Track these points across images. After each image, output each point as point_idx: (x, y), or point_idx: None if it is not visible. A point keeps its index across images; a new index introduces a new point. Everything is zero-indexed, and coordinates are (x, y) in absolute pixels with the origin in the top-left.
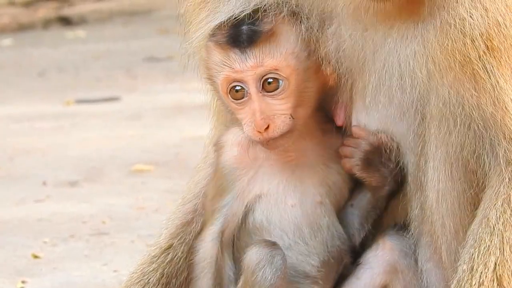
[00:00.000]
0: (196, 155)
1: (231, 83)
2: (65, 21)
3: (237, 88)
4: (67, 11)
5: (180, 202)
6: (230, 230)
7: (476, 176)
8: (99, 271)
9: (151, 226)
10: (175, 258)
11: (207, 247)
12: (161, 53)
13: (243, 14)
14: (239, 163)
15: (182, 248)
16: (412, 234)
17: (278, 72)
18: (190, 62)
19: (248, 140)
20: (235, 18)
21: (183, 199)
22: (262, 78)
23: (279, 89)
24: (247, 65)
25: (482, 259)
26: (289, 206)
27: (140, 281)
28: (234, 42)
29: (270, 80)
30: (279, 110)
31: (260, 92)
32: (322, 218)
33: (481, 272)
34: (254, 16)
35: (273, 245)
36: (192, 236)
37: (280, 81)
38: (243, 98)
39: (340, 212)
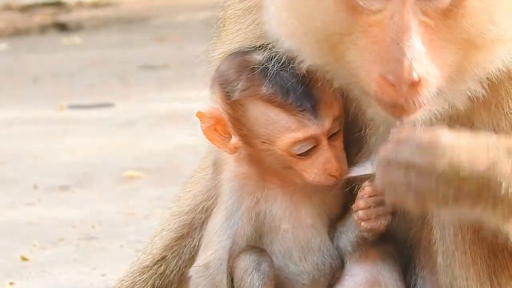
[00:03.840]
0: (188, 163)
1: (299, 145)
2: (61, 27)
3: (308, 147)
4: (64, 17)
5: (176, 212)
6: (237, 251)
7: None
8: (87, 275)
9: (140, 232)
10: (167, 271)
11: (218, 274)
12: (156, 61)
13: (273, 59)
14: (246, 181)
15: (175, 261)
16: (411, 239)
17: (340, 120)
18: (189, 71)
19: (252, 159)
20: (269, 66)
21: (178, 208)
22: (331, 131)
23: (339, 134)
24: (324, 129)
25: None
26: (281, 231)
27: None
28: (302, 104)
29: (337, 128)
30: (341, 149)
31: (328, 141)
32: (313, 240)
33: None
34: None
35: (260, 251)
36: (187, 250)
37: None
38: (309, 151)
39: (331, 233)
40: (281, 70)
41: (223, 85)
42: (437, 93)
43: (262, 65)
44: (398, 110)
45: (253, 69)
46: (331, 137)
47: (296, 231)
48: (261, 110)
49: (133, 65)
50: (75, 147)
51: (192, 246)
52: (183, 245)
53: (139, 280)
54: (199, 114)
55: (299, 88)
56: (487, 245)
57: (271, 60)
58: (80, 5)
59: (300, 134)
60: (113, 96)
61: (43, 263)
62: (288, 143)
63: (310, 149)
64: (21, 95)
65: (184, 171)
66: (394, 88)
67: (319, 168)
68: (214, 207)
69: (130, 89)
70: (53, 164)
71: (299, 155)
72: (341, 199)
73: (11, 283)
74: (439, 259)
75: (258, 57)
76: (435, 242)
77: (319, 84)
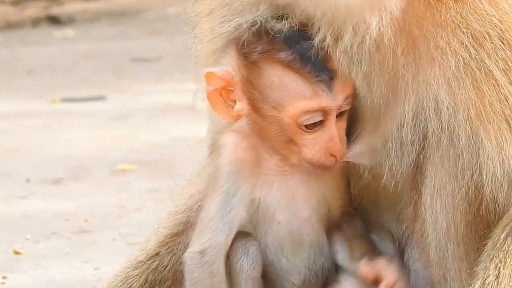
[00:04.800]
0: (182, 156)
1: (309, 115)
2: (54, 20)
3: (317, 119)
4: (56, 10)
5: (173, 212)
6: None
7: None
8: (80, 269)
9: (133, 225)
10: (160, 266)
11: (214, 261)
12: (149, 54)
13: (295, 27)
14: (243, 166)
15: (169, 257)
16: (403, 233)
17: (350, 100)
18: (182, 64)
19: (251, 144)
20: (292, 32)
21: (175, 207)
22: (341, 108)
23: (345, 114)
24: (336, 103)
25: None
26: (276, 222)
27: (123, 284)
28: (320, 75)
29: (345, 107)
30: (344, 131)
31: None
32: (306, 235)
33: None
34: (305, 31)
35: (247, 235)
36: (181, 247)
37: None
38: (316, 125)
39: (330, 239)
40: (301, 39)
41: (241, 46)
42: None
43: (283, 32)
44: None
45: (273, 35)
46: (338, 115)
47: (291, 223)
48: (278, 74)
49: (127, 58)
50: (68, 140)
51: (186, 243)
52: (177, 242)
53: (132, 274)
54: (208, 74)
55: (317, 59)
56: (480, 237)
57: (291, 28)
58: None
59: (313, 104)
60: (107, 89)
61: (36, 257)
62: (299, 111)
63: (316, 122)
64: (15, 88)
65: (177, 164)
66: None
67: (322, 145)
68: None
69: (123, 82)
70: (46, 158)
71: (305, 126)
72: (340, 195)
73: (3, 277)
74: (432, 252)
75: (279, 25)
76: (427, 235)
77: (335, 60)
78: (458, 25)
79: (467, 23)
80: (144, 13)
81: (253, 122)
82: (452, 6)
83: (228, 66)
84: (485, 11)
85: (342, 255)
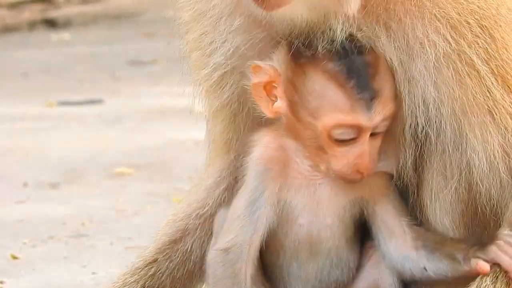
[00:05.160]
0: (178, 159)
1: (343, 129)
2: (50, 24)
3: (349, 135)
4: (53, 14)
5: (171, 220)
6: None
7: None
8: (78, 273)
9: (130, 228)
10: (158, 273)
11: (237, 261)
12: (145, 57)
13: (346, 40)
14: (272, 166)
15: (166, 264)
16: None
17: (388, 121)
18: (178, 67)
19: (282, 145)
20: (345, 44)
21: (174, 216)
22: (376, 128)
23: (380, 135)
24: (372, 124)
25: None
26: (297, 225)
27: None
28: (362, 92)
29: (382, 128)
30: (377, 150)
31: (370, 137)
32: (326, 242)
33: None
34: (354, 45)
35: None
36: (179, 254)
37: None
38: (346, 141)
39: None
40: (354, 53)
41: (293, 47)
42: None
43: (337, 42)
44: (261, 2)
45: (325, 46)
46: (373, 134)
47: (311, 228)
48: (321, 83)
49: (122, 60)
50: (65, 143)
51: (184, 250)
52: (175, 249)
53: (129, 281)
54: (255, 67)
55: (365, 75)
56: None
57: (345, 40)
58: (68, 1)
59: (349, 119)
60: (103, 92)
61: (33, 261)
62: (333, 123)
63: (349, 138)
64: (11, 91)
65: (174, 167)
66: None
67: (350, 160)
68: (239, 188)
69: (119, 85)
70: (43, 161)
71: (337, 140)
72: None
73: (1, 282)
74: None
75: (325, 37)
76: None
77: (385, 78)
78: (435, 14)
79: (444, 11)
80: (140, 16)
81: (289, 123)
82: None
83: (276, 63)
84: None
85: (447, 268)
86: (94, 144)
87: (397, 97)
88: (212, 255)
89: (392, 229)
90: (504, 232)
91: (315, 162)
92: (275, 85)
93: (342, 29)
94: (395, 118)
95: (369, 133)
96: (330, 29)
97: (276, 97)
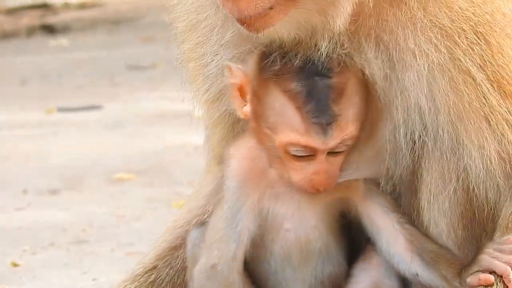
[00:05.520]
0: (178, 163)
1: (298, 148)
2: (49, 29)
3: (304, 153)
4: (51, 19)
5: (171, 227)
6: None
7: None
8: (78, 279)
9: (131, 234)
10: (158, 280)
11: (228, 275)
12: (144, 61)
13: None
14: (250, 177)
15: (166, 270)
16: None
17: (348, 143)
18: (178, 71)
19: (258, 155)
20: (310, 65)
21: (174, 222)
22: (334, 149)
23: (342, 153)
24: (326, 148)
25: None
26: (284, 230)
27: None
28: (318, 117)
29: (342, 148)
30: (337, 167)
31: (326, 155)
32: (314, 243)
33: None
34: (325, 65)
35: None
36: (179, 261)
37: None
38: (303, 157)
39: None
40: (319, 75)
41: (264, 58)
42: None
43: (304, 62)
44: (246, 25)
45: (296, 63)
46: (332, 153)
47: (298, 231)
48: (281, 102)
49: (121, 65)
50: (64, 149)
51: (184, 257)
52: (175, 256)
53: None
54: (229, 68)
55: (326, 100)
56: (477, 241)
57: (312, 62)
58: (66, 7)
59: (303, 141)
60: (102, 97)
61: (34, 268)
62: (288, 141)
63: (305, 155)
64: (9, 97)
65: (174, 172)
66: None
67: (306, 175)
68: (219, 201)
69: (118, 90)
70: (43, 168)
71: (294, 155)
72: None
73: None
74: None
75: (304, 54)
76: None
77: (350, 101)
78: (427, 24)
79: (437, 20)
80: (138, 21)
81: (254, 130)
82: (414, 4)
83: (249, 68)
84: (458, 5)
85: (440, 284)
86: (94, 149)
87: (372, 114)
88: (197, 272)
89: (380, 226)
90: (493, 240)
91: (278, 171)
92: (246, 90)
93: (327, 46)
94: (378, 129)
95: (325, 153)
96: (315, 45)
97: (246, 101)
